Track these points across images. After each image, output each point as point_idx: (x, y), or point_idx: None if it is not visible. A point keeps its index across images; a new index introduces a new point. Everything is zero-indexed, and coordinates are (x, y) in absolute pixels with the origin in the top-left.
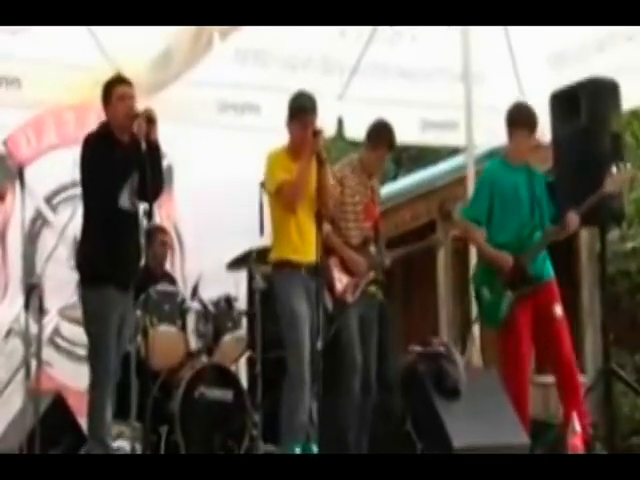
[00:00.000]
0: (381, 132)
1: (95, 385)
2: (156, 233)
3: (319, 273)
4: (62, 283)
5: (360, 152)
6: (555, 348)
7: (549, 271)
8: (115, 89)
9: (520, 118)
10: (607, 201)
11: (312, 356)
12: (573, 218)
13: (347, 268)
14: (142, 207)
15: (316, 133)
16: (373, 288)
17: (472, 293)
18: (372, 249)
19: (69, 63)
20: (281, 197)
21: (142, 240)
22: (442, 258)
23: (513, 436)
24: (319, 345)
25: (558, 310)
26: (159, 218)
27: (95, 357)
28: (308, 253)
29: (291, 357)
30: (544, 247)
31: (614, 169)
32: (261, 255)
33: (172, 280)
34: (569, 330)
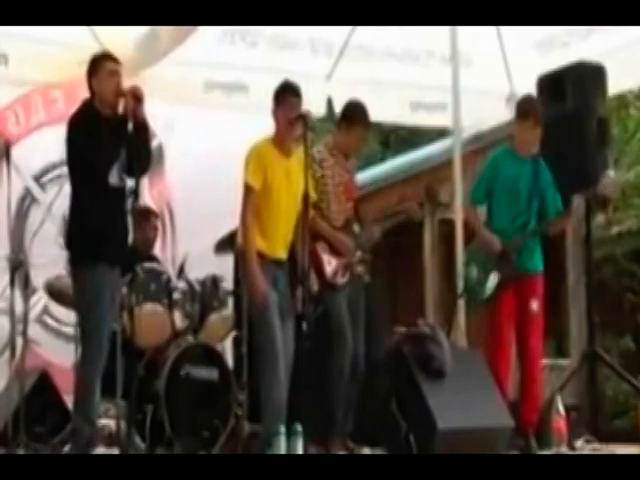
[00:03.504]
0: (356, 113)
1: (86, 362)
2: (146, 215)
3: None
4: (51, 261)
5: (334, 134)
6: (524, 341)
7: (538, 265)
8: (105, 64)
9: (527, 110)
10: (593, 186)
11: (285, 337)
12: (561, 222)
13: (335, 250)
14: (130, 185)
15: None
16: (360, 269)
17: (459, 272)
18: (356, 228)
19: (56, 40)
20: (245, 199)
21: (130, 219)
22: (428, 241)
23: (497, 418)
24: (304, 326)
25: (535, 306)
26: (151, 197)
27: (88, 334)
28: (276, 249)
29: (260, 338)
30: (530, 238)
31: (611, 173)
32: None
33: (158, 263)
34: (545, 323)
